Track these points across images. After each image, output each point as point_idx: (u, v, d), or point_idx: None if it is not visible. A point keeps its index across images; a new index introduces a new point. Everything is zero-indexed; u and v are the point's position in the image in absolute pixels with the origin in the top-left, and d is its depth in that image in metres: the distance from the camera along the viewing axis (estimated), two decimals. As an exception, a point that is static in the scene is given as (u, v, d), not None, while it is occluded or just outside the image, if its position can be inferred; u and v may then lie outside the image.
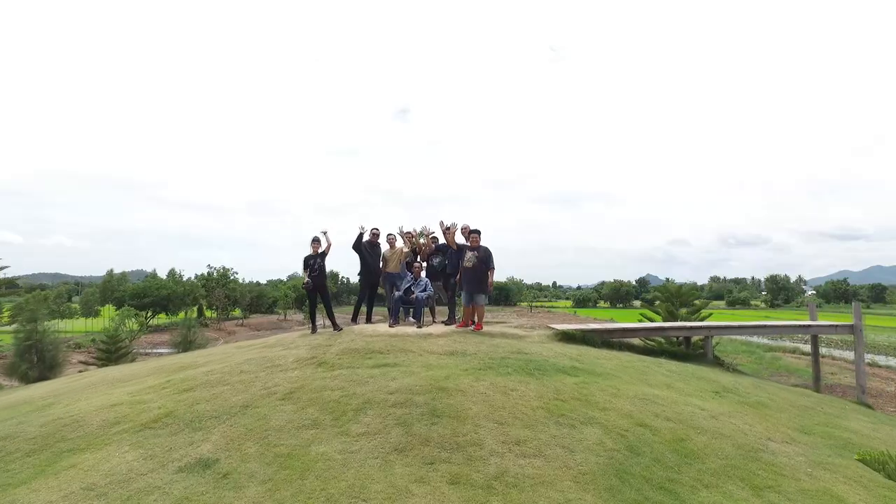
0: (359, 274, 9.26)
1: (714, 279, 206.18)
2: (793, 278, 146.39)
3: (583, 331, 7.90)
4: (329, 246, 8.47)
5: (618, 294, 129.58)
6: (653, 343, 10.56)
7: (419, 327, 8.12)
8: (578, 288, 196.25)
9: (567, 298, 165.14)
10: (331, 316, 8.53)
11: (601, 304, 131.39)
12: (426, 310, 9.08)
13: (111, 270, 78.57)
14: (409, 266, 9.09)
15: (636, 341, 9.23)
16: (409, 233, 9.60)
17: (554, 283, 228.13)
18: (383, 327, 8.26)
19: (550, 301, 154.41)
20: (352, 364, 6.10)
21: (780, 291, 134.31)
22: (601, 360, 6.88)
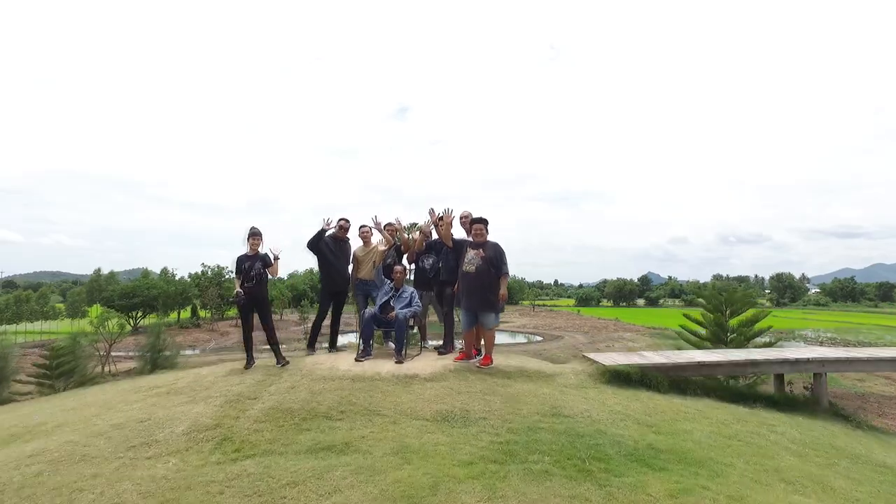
0: (319, 281, 6.73)
1: (717, 277, 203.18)
2: (795, 276, 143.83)
3: (640, 368, 5.34)
4: (275, 269, 5.98)
5: (621, 293, 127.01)
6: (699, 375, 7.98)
7: (399, 361, 5.56)
8: (580, 286, 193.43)
9: (569, 297, 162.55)
10: (273, 343, 5.97)
11: (604, 302, 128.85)
12: (412, 332, 6.52)
13: (98, 269, 75.86)
14: (388, 270, 6.54)
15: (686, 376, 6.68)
16: (391, 224, 7.04)
17: (555, 282, 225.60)
18: (348, 360, 5.70)
19: (552, 300, 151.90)
20: (273, 444, 3.56)
21: (786, 290, 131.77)
22: (682, 422, 4.34)
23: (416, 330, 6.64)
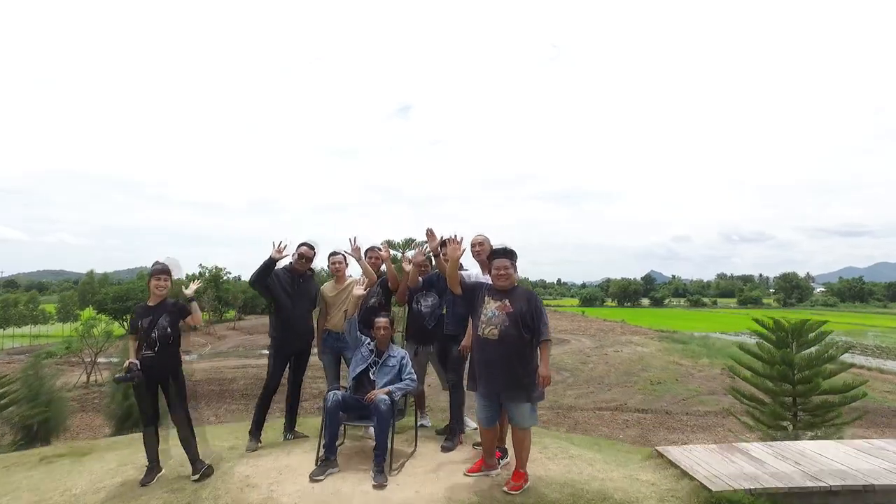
0: (271, 335, 4.66)
1: (721, 276, 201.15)
2: (799, 275, 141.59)
3: (768, 496, 3.28)
4: (198, 317, 3.99)
5: (625, 293, 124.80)
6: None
7: (379, 485, 3.48)
8: (583, 286, 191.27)
9: (572, 296, 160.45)
10: (186, 441, 3.89)
11: (608, 302, 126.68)
12: (404, 407, 4.44)
13: (91, 271, 73.90)
14: (369, 318, 4.49)
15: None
16: (375, 249, 4.98)
17: (558, 280, 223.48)
18: (300, 477, 3.62)
19: (556, 299, 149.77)
20: None
21: (793, 290, 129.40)
22: None
23: (408, 402, 4.59)
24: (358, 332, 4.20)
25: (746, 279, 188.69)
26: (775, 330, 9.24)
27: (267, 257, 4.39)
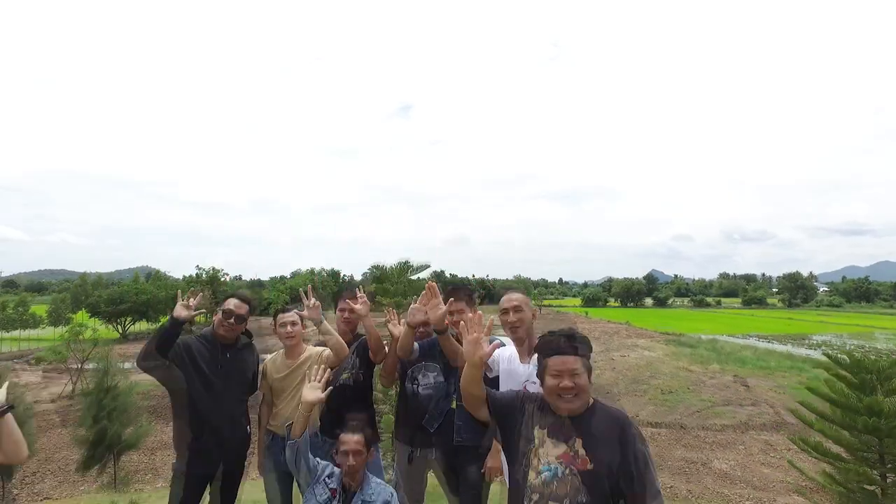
0: (176, 444, 2.99)
1: (724, 276, 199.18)
2: (803, 274, 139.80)
3: None
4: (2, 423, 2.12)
5: (628, 293, 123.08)
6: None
7: None
8: (585, 285, 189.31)
9: (574, 296, 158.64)
10: None
11: (611, 302, 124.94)
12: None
13: (85, 274, 72.17)
14: (335, 409, 2.83)
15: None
16: (352, 302, 3.31)
17: (560, 280, 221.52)
18: None
19: (558, 299, 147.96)
20: None
21: (798, 290, 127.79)
22: None
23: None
24: (311, 457, 2.50)
25: (749, 278, 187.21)
26: (856, 370, 7.51)
27: (166, 323, 2.72)
